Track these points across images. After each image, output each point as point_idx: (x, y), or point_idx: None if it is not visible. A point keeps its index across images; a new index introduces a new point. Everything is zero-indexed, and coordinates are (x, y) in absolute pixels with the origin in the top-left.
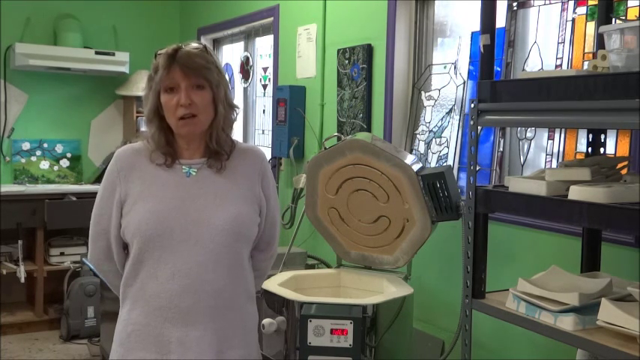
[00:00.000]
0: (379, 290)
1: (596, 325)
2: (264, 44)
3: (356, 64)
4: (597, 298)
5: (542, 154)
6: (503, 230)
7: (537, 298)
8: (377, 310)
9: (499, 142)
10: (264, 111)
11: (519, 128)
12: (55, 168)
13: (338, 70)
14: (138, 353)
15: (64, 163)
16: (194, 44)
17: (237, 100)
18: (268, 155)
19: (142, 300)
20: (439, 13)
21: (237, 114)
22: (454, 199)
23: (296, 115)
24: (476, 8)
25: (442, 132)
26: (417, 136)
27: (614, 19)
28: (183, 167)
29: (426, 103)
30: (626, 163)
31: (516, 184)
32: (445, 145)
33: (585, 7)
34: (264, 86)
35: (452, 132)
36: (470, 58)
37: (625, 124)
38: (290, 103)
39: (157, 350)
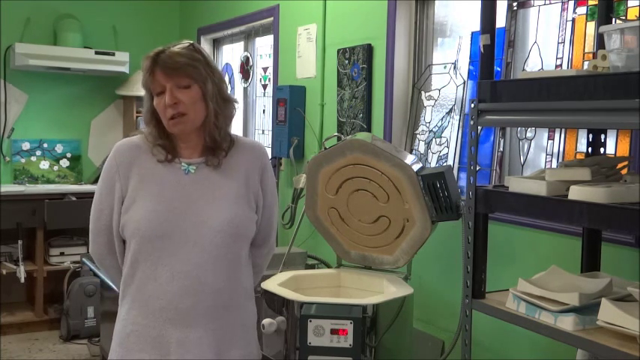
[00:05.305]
0: (379, 290)
1: (596, 325)
2: (264, 44)
3: (356, 64)
4: (597, 298)
5: (542, 154)
6: (503, 230)
7: (537, 298)
8: (377, 310)
9: (499, 142)
10: (264, 111)
11: (519, 128)
12: (55, 168)
13: (338, 70)
14: (138, 354)
15: (64, 163)
16: (180, 44)
17: (237, 100)
18: (268, 155)
19: (141, 300)
20: (439, 13)
21: (235, 108)
22: (454, 199)
23: (296, 115)
24: (476, 8)
25: (442, 132)
26: (417, 136)
27: (614, 19)
28: (183, 164)
29: (426, 103)
30: (626, 163)
31: (516, 184)
32: (445, 145)
33: (585, 7)
34: (264, 86)
35: (452, 132)
36: (470, 58)
37: (625, 124)
38: (290, 103)
39: (157, 351)
